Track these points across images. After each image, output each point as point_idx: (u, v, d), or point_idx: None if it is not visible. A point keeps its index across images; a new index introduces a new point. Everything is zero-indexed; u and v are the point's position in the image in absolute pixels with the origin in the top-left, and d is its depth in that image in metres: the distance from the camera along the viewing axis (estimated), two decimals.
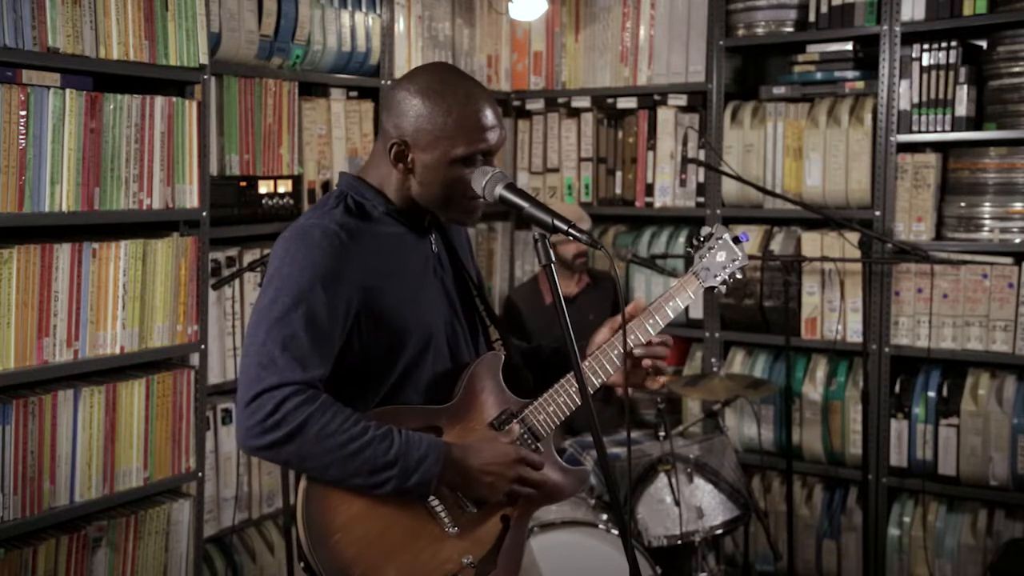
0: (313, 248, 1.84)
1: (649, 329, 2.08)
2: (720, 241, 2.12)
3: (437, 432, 1.94)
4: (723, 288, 2.13)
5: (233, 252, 3.33)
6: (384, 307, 1.90)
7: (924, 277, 3.76)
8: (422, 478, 1.82)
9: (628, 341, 2.04)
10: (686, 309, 4.24)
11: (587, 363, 2.05)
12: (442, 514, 1.91)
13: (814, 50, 4.03)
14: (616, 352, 2.05)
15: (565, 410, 2.03)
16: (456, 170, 1.90)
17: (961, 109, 3.69)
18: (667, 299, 2.10)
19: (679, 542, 3.18)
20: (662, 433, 3.29)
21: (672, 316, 2.09)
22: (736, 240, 2.13)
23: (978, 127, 3.71)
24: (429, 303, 1.99)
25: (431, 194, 1.94)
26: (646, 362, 2.09)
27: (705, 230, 2.14)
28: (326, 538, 1.83)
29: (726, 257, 2.12)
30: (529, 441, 2.02)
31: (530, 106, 4.67)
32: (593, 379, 2.05)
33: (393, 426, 1.84)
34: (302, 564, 1.89)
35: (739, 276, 2.13)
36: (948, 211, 3.76)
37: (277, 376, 1.77)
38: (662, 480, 3.26)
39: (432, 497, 1.90)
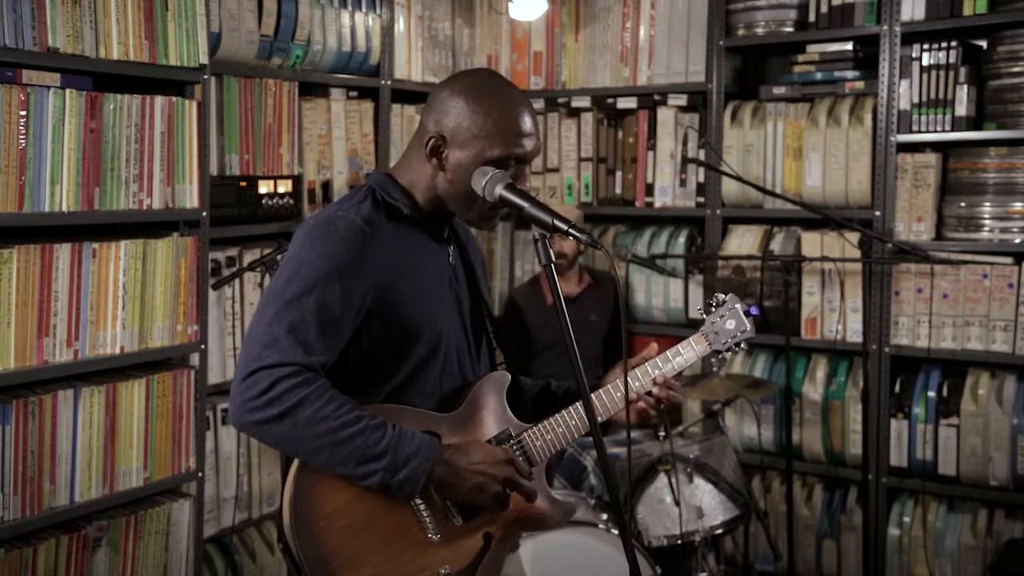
0: (335, 238, 1.85)
1: (653, 379, 2.11)
2: (731, 310, 2.17)
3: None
4: (727, 355, 2.18)
5: (233, 252, 3.33)
6: (397, 307, 1.90)
7: (924, 277, 3.76)
8: (410, 475, 1.82)
9: (632, 388, 2.07)
10: (685, 309, 4.27)
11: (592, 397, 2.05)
12: (427, 520, 1.91)
13: (814, 50, 4.03)
14: (621, 394, 2.07)
15: (563, 440, 2.04)
16: None
17: (961, 109, 3.69)
18: (675, 354, 2.13)
19: (679, 542, 3.18)
20: (662, 433, 3.29)
21: (677, 371, 2.13)
22: (747, 313, 2.18)
23: (978, 127, 3.71)
24: (442, 310, 1.99)
25: (457, 193, 1.94)
26: (661, 392, 2.11)
27: (719, 297, 2.19)
28: (310, 524, 1.83)
29: (735, 326, 2.15)
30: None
31: None
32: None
33: (388, 420, 1.84)
34: (281, 546, 1.89)
35: (744, 347, 2.18)
36: (948, 211, 3.76)
37: (279, 355, 1.77)
38: (662, 480, 3.26)
39: (420, 501, 1.89)
